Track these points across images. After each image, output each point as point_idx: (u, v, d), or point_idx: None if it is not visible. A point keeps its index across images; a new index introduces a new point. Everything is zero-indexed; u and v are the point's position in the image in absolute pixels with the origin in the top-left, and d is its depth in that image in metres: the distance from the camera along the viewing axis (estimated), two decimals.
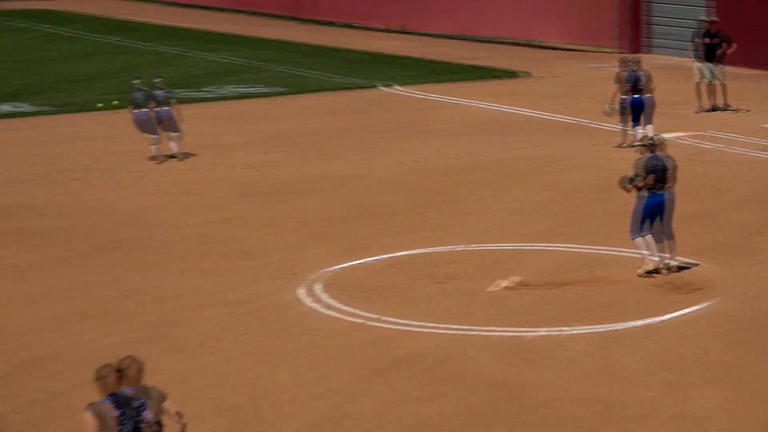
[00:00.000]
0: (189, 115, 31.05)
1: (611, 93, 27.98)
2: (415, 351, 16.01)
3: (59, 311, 18.15)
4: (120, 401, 10.67)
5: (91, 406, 10.64)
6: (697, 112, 31.12)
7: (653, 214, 18.92)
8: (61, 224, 22.59)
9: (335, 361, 15.83)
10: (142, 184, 25.60)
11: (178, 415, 11.04)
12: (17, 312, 18.24)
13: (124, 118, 31.04)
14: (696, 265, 19.43)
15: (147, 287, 18.89)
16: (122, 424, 10.64)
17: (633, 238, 19.05)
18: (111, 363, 10.76)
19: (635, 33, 40.67)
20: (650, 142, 19.60)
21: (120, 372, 10.74)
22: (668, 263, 18.99)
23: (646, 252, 18.90)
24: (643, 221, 18.95)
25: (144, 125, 27.96)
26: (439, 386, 14.93)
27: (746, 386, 14.85)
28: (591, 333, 16.53)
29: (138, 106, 28.17)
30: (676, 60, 37.05)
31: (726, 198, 23.70)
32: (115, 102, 33.68)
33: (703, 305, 17.66)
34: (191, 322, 17.19)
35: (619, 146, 27.58)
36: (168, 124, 27.97)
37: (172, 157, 27.85)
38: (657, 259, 18.83)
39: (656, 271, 18.86)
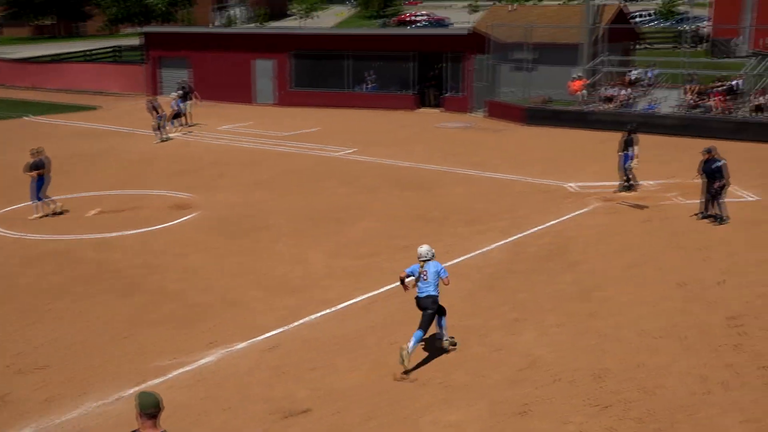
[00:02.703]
0: None
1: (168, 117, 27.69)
2: (53, 249, 15.30)
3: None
4: None
5: None
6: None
7: None
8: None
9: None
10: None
11: None
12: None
13: None
14: (188, 196, 19.20)
15: None
16: None
17: None
18: None
19: (153, 86, 39.45)
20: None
21: None
22: None
23: None
24: None
25: None
26: (68, 265, 14.37)
27: (210, 249, 15.11)
28: (140, 233, 16.19)
29: None
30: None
31: (204, 162, 23.26)
32: None
33: (196, 213, 17.64)
34: None
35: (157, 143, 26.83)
36: None
37: None
38: None
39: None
